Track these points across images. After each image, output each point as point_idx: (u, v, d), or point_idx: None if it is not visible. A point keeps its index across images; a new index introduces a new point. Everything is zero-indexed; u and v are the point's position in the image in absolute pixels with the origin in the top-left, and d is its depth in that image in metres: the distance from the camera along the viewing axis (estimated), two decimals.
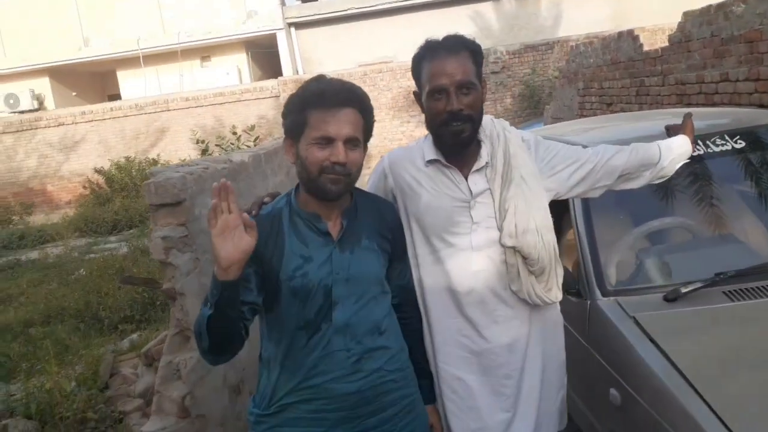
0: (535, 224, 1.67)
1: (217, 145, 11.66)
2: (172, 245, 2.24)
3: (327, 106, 1.46)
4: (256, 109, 14.29)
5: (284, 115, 1.55)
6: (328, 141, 1.46)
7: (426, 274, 1.74)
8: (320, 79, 1.53)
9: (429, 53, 1.66)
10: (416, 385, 1.69)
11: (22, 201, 14.78)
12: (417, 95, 1.75)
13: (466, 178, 1.72)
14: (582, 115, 7.85)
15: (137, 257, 7.50)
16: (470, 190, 1.70)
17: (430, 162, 1.73)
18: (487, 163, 1.70)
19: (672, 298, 2.02)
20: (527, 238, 1.66)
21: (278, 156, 3.68)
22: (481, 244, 1.69)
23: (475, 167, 1.70)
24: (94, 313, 5.52)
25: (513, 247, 1.66)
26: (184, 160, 11.90)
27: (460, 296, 1.71)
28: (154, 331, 4.71)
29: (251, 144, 9.24)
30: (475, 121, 1.65)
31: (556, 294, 1.73)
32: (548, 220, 1.73)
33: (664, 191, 2.58)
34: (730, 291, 1.99)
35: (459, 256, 1.70)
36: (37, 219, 14.00)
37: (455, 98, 1.61)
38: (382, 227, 1.62)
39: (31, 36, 16.28)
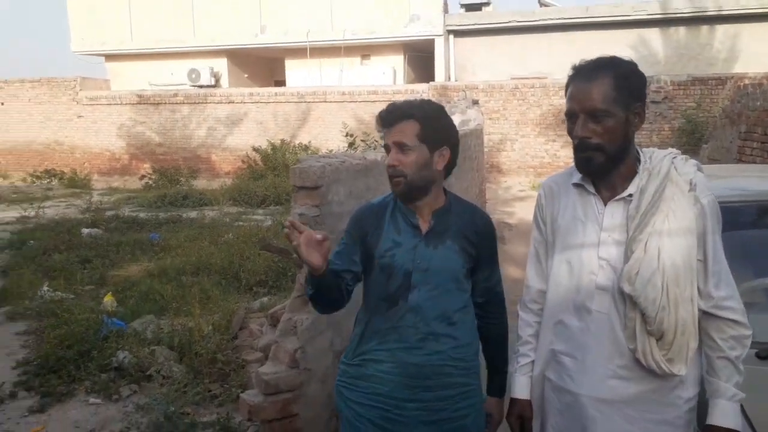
0: (663, 280, 1.54)
1: (362, 141, 12.36)
2: (307, 222, 2.63)
3: (384, 125, 1.84)
4: None
5: None
6: (388, 151, 1.83)
7: (550, 298, 1.76)
8: (388, 105, 1.87)
9: (571, 76, 1.64)
10: (478, 379, 1.90)
11: (189, 166, 16.62)
12: None
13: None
14: (741, 161, 7.39)
15: (278, 231, 8.27)
16: (602, 223, 1.64)
17: (575, 185, 1.71)
18: (631, 195, 1.61)
19: (764, 355, 2.02)
20: (647, 290, 1.53)
21: None
22: (605, 285, 1.62)
23: (618, 196, 1.63)
24: (235, 272, 6.24)
25: (631, 296, 1.55)
26: (331, 150, 12.74)
27: (574, 330, 1.68)
28: (282, 298, 5.27)
29: None
30: (607, 150, 1.58)
31: (679, 368, 1.57)
32: (687, 285, 1.56)
33: None
34: None
35: (582, 289, 1.66)
36: (200, 183, 15.67)
37: (581, 125, 1.59)
38: (469, 232, 1.85)
39: (217, 20, 18.13)
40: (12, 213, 10.90)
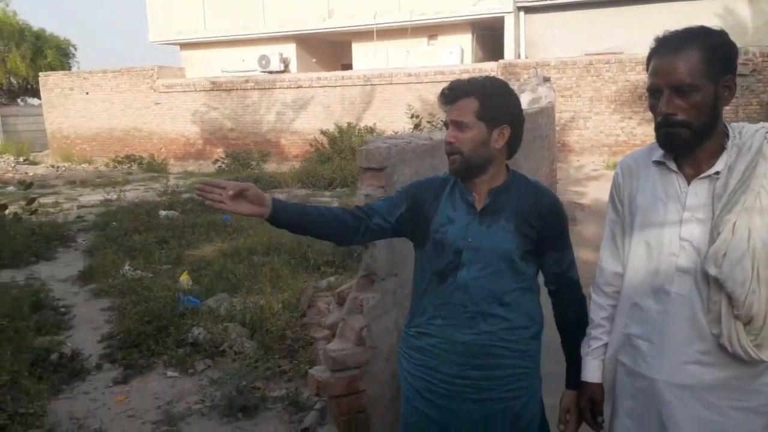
0: (753, 262, 1.44)
1: (428, 122, 12.27)
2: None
3: (446, 102, 1.81)
4: None
5: None
6: (447, 126, 1.82)
7: (627, 281, 1.68)
8: (451, 82, 1.85)
9: (654, 49, 1.54)
10: (535, 362, 1.86)
11: (260, 149, 17.01)
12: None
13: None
14: None
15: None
16: (685, 202, 1.54)
17: (656, 163, 1.62)
18: (718, 172, 1.51)
19: None
20: (735, 272, 1.44)
21: None
22: (687, 266, 1.53)
23: (703, 174, 1.53)
24: (303, 253, 6.37)
25: (716, 279, 1.46)
26: (397, 132, 12.72)
27: (651, 314, 1.60)
28: (348, 277, 5.33)
29: None
30: (693, 126, 1.47)
31: None
32: None
33: None
34: None
35: (661, 271, 1.57)
36: (270, 167, 16.03)
37: (665, 101, 1.49)
38: (529, 213, 1.79)
39: (285, 6, 18.37)
40: (96, 196, 11.54)
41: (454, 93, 1.80)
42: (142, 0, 20.55)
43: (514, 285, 1.80)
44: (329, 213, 1.85)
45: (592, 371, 1.79)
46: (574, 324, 1.88)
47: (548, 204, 1.84)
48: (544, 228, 1.80)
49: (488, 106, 1.76)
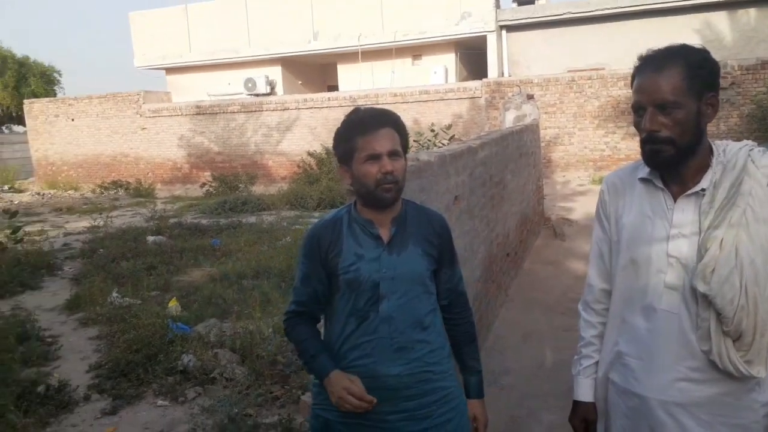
0: (741, 278, 1.45)
1: (415, 141, 12.34)
2: None
3: (369, 130, 1.74)
4: (457, 108, 14.75)
5: (335, 147, 1.83)
6: (376, 157, 1.73)
7: (615, 298, 1.69)
8: (357, 110, 1.81)
9: (638, 67, 1.56)
10: (455, 380, 1.86)
11: (247, 172, 16.98)
12: None
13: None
14: None
15: None
16: (672, 219, 1.54)
17: (642, 180, 1.62)
18: (704, 189, 1.52)
19: None
20: (724, 288, 1.44)
21: (464, 158, 3.94)
22: (674, 283, 1.53)
23: (689, 191, 1.53)
24: (293, 275, 6.32)
25: (705, 296, 1.46)
26: None
27: (640, 331, 1.60)
28: None
29: (446, 142, 9.64)
30: (677, 143, 1.48)
31: (759, 369, 1.49)
32: (767, 284, 1.47)
33: None
34: None
35: (650, 288, 1.58)
36: (258, 189, 16.00)
37: (649, 118, 1.49)
38: (429, 234, 1.84)
39: (271, 28, 18.49)
40: (83, 223, 11.45)
41: (377, 120, 1.76)
42: (127, 25, 20.61)
43: (429, 307, 1.83)
44: (316, 336, 1.84)
45: (584, 390, 1.78)
46: (468, 335, 1.96)
47: (440, 221, 1.91)
48: (441, 245, 1.87)
49: (405, 137, 1.81)
